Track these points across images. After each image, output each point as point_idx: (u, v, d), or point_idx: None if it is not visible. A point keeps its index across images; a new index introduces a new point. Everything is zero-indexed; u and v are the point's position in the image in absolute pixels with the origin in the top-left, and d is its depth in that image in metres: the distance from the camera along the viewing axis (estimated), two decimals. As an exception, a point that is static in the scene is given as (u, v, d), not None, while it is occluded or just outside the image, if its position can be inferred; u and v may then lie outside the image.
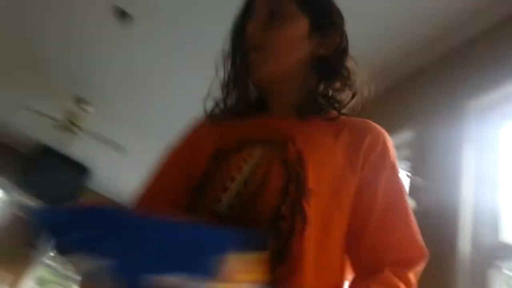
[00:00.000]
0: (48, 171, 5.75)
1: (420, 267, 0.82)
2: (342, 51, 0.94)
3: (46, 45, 3.76)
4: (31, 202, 5.55)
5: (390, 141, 0.93)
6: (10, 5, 3.45)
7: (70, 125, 4.34)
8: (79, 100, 4.34)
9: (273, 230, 0.75)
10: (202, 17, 2.92)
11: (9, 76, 4.44)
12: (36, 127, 5.18)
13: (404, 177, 1.91)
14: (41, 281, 6.12)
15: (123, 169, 5.69)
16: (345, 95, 0.93)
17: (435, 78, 2.43)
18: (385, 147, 0.90)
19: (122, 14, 3.01)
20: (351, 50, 0.96)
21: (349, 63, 0.94)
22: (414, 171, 2.18)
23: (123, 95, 4.10)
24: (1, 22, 3.69)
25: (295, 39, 0.91)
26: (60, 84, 4.23)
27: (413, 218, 0.86)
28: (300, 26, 0.91)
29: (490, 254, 1.71)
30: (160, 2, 2.96)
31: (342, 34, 0.94)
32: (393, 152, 0.91)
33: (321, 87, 0.92)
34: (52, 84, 4.24)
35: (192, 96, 3.69)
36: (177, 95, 3.78)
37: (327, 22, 0.93)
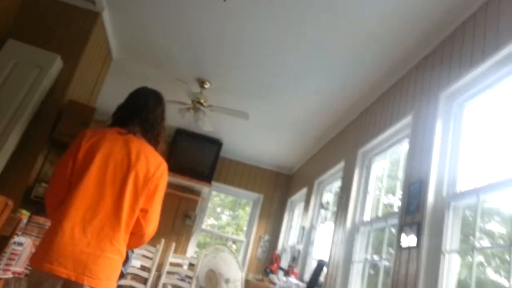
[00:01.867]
0: (188, 150, 6.51)
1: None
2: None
3: (162, 41, 4.22)
4: (180, 179, 6.37)
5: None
6: (125, 11, 3.94)
7: (197, 105, 4.81)
8: (200, 81, 4.78)
9: None
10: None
11: (140, 77, 5.09)
12: (168, 114, 5.86)
13: None
14: (199, 244, 7.03)
15: (248, 134, 6.15)
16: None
17: (420, 75, 3.29)
18: None
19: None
20: None
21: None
22: (412, 143, 3.11)
23: (236, 68, 4.42)
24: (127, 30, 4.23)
25: None
26: (181, 70, 4.71)
27: None
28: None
29: (446, 199, 2.61)
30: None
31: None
32: None
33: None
34: (175, 72, 4.75)
35: (296, 60, 3.87)
36: (286, 60, 3.96)
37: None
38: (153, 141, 1.93)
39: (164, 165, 1.91)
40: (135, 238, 1.84)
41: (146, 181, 1.81)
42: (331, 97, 4.49)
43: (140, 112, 1.94)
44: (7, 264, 2.06)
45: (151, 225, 1.86)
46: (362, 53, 3.64)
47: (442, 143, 2.78)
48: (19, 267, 2.29)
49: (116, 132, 1.86)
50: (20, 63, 3.50)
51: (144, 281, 5.24)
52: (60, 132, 3.57)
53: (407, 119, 3.31)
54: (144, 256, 5.61)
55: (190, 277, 5.33)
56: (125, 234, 1.76)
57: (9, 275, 2.15)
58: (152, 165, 1.84)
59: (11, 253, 2.11)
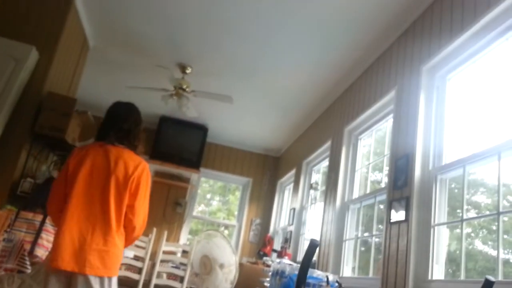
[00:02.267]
0: (174, 138, 6.46)
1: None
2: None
3: (140, 26, 4.13)
4: (167, 167, 6.33)
5: None
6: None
7: (180, 91, 4.75)
8: (181, 66, 4.71)
9: None
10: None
11: (119, 65, 4.99)
12: (151, 102, 5.79)
13: None
14: (191, 231, 7.04)
15: (233, 118, 6.12)
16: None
17: (402, 49, 3.31)
18: None
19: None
20: None
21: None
22: (396, 118, 3.15)
23: (217, 51, 4.35)
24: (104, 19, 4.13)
25: None
26: (161, 56, 4.64)
27: None
28: None
29: (433, 173, 2.66)
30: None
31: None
32: None
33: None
34: (155, 58, 4.67)
35: (277, 38, 3.82)
36: (267, 40, 3.91)
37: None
38: (130, 146, 2.26)
39: (142, 165, 2.22)
40: (128, 232, 2.16)
41: (126, 181, 2.12)
42: (314, 74, 4.47)
43: (114, 124, 2.28)
44: (-4, 262, 2.02)
45: (139, 218, 2.16)
46: (342, 29, 3.62)
47: (426, 116, 2.80)
48: (11, 263, 2.26)
49: (97, 146, 2.21)
50: (-6, 57, 3.39)
51: (139, 270, 5.23)
52: (41, 125, 3.49)
53: (391, 94, 3.32)
54: (137, 246, 5.59)
55: (185, 264, 5.32)
56: (117, 228, 2.09)
57: (0, 272, 2.11)
58: (130, 166, 2.15)
59: (1, 250, 2.08)
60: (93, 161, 2.14)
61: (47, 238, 3.24)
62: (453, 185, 2.65)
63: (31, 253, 3.09)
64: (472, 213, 2.57)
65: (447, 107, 2.75)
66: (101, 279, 2.00)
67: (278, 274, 2.88)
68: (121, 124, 2.28)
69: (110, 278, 2.05)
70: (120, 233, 2.12)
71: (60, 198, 2.11)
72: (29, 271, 2.37)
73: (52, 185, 2.23)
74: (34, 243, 3.18)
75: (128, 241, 2.19)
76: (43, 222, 3.26)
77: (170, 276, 5.31)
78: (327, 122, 4.89)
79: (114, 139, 2.22)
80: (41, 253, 3.18)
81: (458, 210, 2.49)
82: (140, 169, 2.18)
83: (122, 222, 2.12)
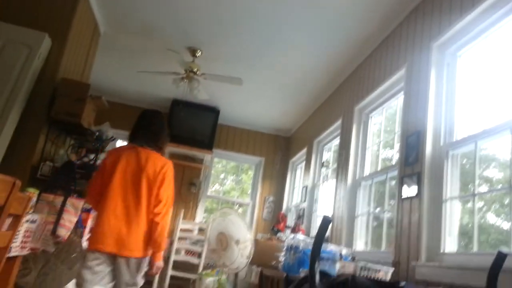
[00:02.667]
0: (186, 120, 6.52)
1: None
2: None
3: (150, 11, 4.15)
4: (181, 149, 6.42)
5: None
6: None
7: (191, 74, 4.78)
8: (192, 50, 4.73)
9: None
10: None
11: (130, 50, 5.03)
12: (163, 86, 5.85)
13: None
14: (207, 210, 7.18)
15: (244, 99, 6.15)
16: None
17: (412, 26, 3.28)
18: None
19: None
20: None
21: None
22: (407, 95, 3.15)
23: (226, 34, 4.36)
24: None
25: None
26: (171, 40, 4.66)
27: None
28: None
29: (444, 148, 2.68)
30: None
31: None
32: None
33: None
34: (165, 43, 4.69)
35: (286, 18, 3.80)
36: (276, 20, 3.90)
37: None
38: (157, 149, 2.67)
39: (168, 164, 2.65)
40: (158, 208, 2.52)
41: (155, 177, 2.55)
42: (324, 54, 4.46)
43: (143, 130, 2.69)
44: (23, 242, 2.13)
45: (164, 195, 2.56)
46: (350, 8, 3.59)
47: (437, 93, 2.80)
48: (35, 243, 2.37)
49: (130, 148, 2.64)
50: (8, 44, 3.46)
51: (156, 249, 5.39)
52: (57, 111, 3.57)
53: (401, 72, 3.31)
54: (153, 225, 5.73)
55: (202, 241, 5.48)
56: (146, 216, 2.50)
57: (26, 251, 2.22)
58: (158, 165, 2.59)
59: (25, 231, 2.18)
60: (127, 160, 2.57)
61: (68, 219, 3.36)
62: (464, 161, 2.67)
63: (53, 233, 3.22)
64: (484, 188, 2.60)
65: (458, 84, 2.75)
66: (137, 260, 2.46)
67: (292, 249, 2.97)
68: (148, 129, 2.69)
69: (144, 258, 2.50)
70: (149, 220, 2.50)
71: (97, 191, 2.57)
72: (52, 250, 2.48)
73: (90, 181, 2.78)
74: (56, 223, 3.30)
75: (158, 220, 2.51)
76: (64, 204, 3.37)
77: (188, 252, 5.47)
78: (337, 101, 4.90)
79: (144, 142, 2.63)
80: (63, 233, 3.30)
81: (470, 185, 2.52)
82: (166, 168, 2.61)
83: (151, 209, 2.51)
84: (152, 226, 2.50)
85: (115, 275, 2.48)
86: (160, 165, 2.59)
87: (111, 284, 2.49)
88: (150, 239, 2.50)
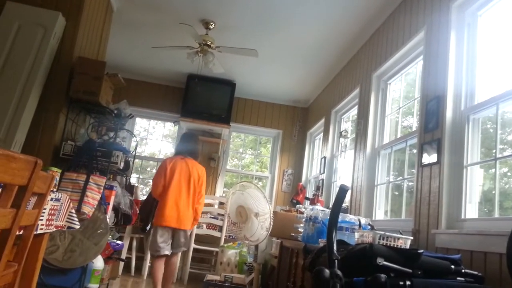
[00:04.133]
0: (202, 95, 6.52)
1: None
2: None
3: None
4: (198, 124, 6.46)
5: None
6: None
7: (205, 47, 4.74)
8: (205, 22, 4.68)
9: None
10: None
11: (144, 26, 5.01)
12: (178, 61, 5.83)
13: None
14: (226, 184, 7.25)
15: (260, 71, 6.08)
16: None
17: None
18: None
19: None
20: None
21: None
22: (426, 60, 3.05)
23: (238, 3, 4.28)
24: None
25: None
26: (183, 13, 4.61)
27: None
28: None
29: (465, 113, 2.60)
30: None
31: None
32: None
33: None
34: (178, 16, 4.65)
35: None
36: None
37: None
38: (196, 159, 4.09)
39: (203, 170, 4.09)
40: (199, 201, 4.02)
41: (198, 180, 3.98)
42: (338, 22, 4.35)
43: (187, 147, 4.11)
44: (48, 219, 2.20)
45: (203, 191, 4.06)
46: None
47: (457, 55, 2.71)
48: (60, 221, 2.44)
49: (180, 158, 4.00)
50: (24, 25, 3.48)
51: (178, 223, 5.53)
52: (75, 90, 3.62)
53: (420, 35, 3.21)
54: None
55: (222, 215, 5.58)
56: (192, 205, 3.95)
57: (52, 229, 2.29)
58: (199, 172, 4.01)
59: (51, 209, 2.24)
60: (180, 167, 3.92)
61: (92, 196, 3.45)
62: (487, 125, 2.60)
63: (78, 210, 3.32)
64: (508, 153, 2.53)
65: (479, 45, 2.64)
66: (187, 231, 3.97)
67: (312, 220, 2.99)
68: (190, 147, 4.11)
69: (190, 230, 4.23)
70: (193, 207, 3.96)
71: (159, 186, 3.89)
72: (78, 227, 2.56)
73: (154, 179, 3.98)
74: (81, 201, 3.41)
75: (199, 207, 4.04)
76: (87, 182, 3.46)
77: (210, 226, 5.58)
78: (354, 69, 4.80)
79: (188, 155, 4.03)
80: (88, 210, 3.40)
81: (493, 150, 2.46)
82: (203, 173, 4.06)
83: (195, 202, 3.97)
84: (196, 211, 3.97)
85: (174, 240, 3.88)
86: (200, 171, 4.02)
87: (170, 244, 3.87)
88: (194, 219, 3.98)
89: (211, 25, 4.69)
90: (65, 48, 3.65)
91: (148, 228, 4.26)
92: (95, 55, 4.24)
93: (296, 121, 7.18)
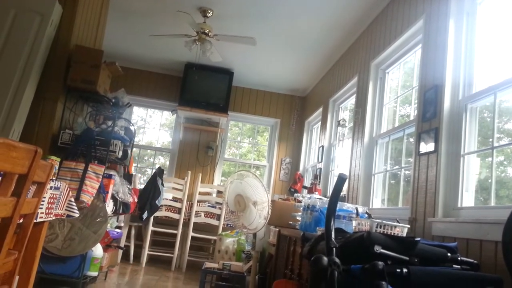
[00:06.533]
0: (200, 83, 6.50)
1: None
2: None
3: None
4: (196, 113, 6.45)
5: None
6: None
7: (203, 36, 4.71)
8: (202, 10, 4.64)
9: None
10: None
11: (141, 13, 4.96)
12: (175, 49, 5.80)
13: None
14: (224, 173, 7.27)
15: (258, 60, 6.06)
16: None
17: None
18: None
19: None
20: None
21: None
22: (425, 48, 3.06)
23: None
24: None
25: None
26: (181, 1, 4.57)
27: None
28: None
29: (462, 102, 2.62)
30: None
31: None
32: None
33: None
34: (175, 3, 4.60)
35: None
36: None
37: None
38: None
39: None
40: None
41: None
42: (336, 10, 4.32)
43: None
44: (48, 208, 2.20)
45: None
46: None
47: (456, 44, 2.71)
48: (60, 209, 2.45)
49: None
50: (20, 13, 3.45)
51: (178, 210, 5.57)
52: (72, 78, 3.60)
53: (419, 24, 3.20)
54: (174, 188, 5.89)
55: (220, 203, 5.61)
56: None
57: (51, 217, 2.31)
58: None
59: (50, 197, 2.25)
60: None
61: (91, 184, 3.46)
62: (485, 114, 2.61)
63: (77, 199, 3.33)
64: (505, 141, 2.55)
65: (478, 33, 2.64)
66: None
67: (309, 208, 3.01)
68: None
69: None
70: None
71: None
72: (77, 215, 2.58)
73: None
74: (79, 189, 3.41)
75: None
76: (85, 170, 3.47)
77: (208, 214, 5.62)
78: (353, 58, 4.79)
79: None
80: (87, 198, 3.42)
81: (490, 139, 2.47)
82: None
83: None
84: None
85: None
86: None
87: None
88: None
89: (209, 13, 4.66)
90: (62, 36, 3.63)
91: (145, 216, 4.25)
92: (92, 43, 4.21)
93: (294, 110, 7.18)
